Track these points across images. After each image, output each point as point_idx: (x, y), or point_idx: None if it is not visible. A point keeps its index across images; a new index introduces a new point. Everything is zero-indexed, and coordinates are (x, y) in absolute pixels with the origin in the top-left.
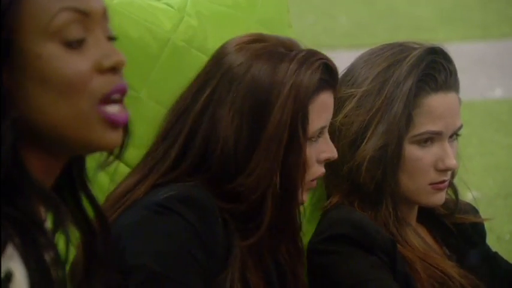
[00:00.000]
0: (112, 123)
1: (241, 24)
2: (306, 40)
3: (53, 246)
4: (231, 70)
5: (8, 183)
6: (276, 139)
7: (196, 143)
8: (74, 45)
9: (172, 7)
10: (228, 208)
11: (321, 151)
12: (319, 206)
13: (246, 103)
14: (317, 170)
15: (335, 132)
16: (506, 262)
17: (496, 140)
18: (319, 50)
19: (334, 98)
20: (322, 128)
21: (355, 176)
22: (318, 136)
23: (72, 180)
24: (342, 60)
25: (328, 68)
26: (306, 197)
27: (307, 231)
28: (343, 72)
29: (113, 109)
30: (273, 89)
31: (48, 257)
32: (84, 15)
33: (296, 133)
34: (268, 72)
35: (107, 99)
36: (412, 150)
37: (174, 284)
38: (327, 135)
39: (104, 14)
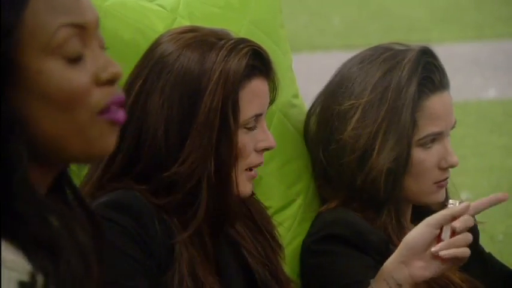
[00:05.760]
0: (112, 121)
1: (233, 25)
2: (299, 41)
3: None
4: (161, 59)
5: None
6: (208, 126)
7: (129, 134)
8: (73, 59)
9: (164, 8)
10: (164, 204)
11: (259, 140)
12: (312, 208)
13: (176, 92)
14: (254, 159)
15: (345, 147)
16: (500, 263)
17: (490, 141)
18: (312, 50)
19: (270, 86)
20: (257, 116)
21: (370, 188)
22: (254, 124)
23: (64, 179)
24: (336, 61)
25: (258, 54)
26: (249, 188)
27: (299, 232)
28: (333, 79)
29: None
30: (202, 76)
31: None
32: (82, 29)
33: (227, 120)
34: (197, 61)
35: (105, 111)
36: (417, 154)
37: None
38: (263, 124)
39: (97, 24)
